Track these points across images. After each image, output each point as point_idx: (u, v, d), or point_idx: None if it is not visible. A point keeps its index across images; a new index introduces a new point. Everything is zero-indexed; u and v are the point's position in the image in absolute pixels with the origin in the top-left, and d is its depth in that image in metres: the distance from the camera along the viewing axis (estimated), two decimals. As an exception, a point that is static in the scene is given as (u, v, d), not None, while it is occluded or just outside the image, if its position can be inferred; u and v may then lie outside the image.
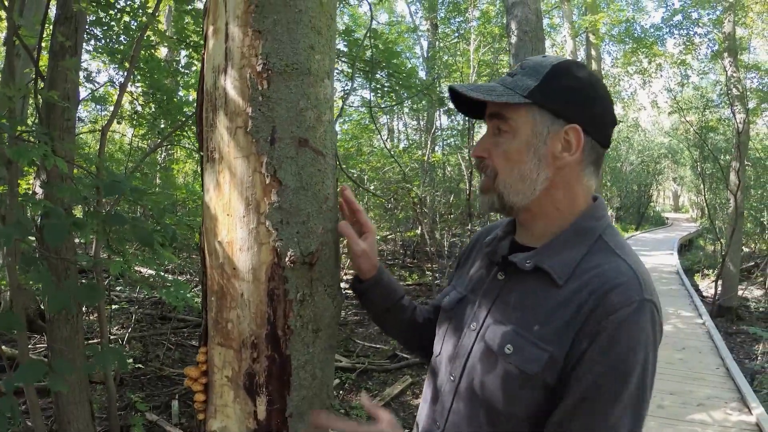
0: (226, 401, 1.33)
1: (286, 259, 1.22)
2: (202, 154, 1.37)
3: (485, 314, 1.18)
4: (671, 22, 15.60)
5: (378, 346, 7.61)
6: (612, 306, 1.00)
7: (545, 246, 1.15)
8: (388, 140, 16.31)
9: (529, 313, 1.10)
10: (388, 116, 17.70)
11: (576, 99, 1.13)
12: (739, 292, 12.43)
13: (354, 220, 1.42)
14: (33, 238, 2.95)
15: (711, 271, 16.97)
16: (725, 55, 12.28)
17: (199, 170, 11.30)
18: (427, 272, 12.09)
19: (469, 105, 1.24)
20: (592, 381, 1.00)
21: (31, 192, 3.86)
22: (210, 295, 1.33)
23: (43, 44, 3.82)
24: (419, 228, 13.14)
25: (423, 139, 15.09)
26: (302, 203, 1.24)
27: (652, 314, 1.01)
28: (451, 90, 1.20)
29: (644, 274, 1.06)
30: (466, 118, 11.43)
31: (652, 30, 16.62)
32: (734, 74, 12.10)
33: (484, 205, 1.21)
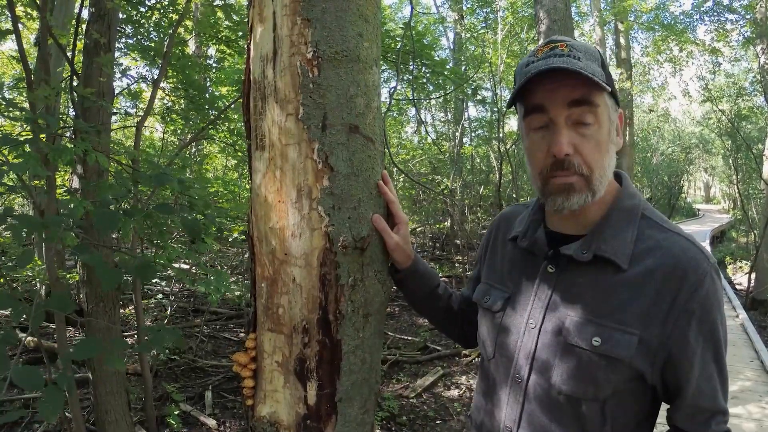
0: (275, 386, 1.34)
1: (338, 244, 1.24)
2: (249, 142, 1.38)
3: (543, 310, 1.16)
4: (702, 9, 15.33)
5: (409, 338, 7.60)
6: (694, 283, 1.05)
7: (594, 233, 1.13)
8: (416, 133, 16.27)
9: (598, 301, 1.10)
10: (415, 108, 17.63)
11: (614, 85, 1.15)
12: (774, 285, 12.15)
13: (387, 212, 1.41)
14: (75, 232, 3.02)
15: (744, 263, 16.64)
16: (758, 41, 12.01)
17: (230, 164, 11.44)
18: (456, 264, 12.06)
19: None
20: (702, 355, 1.08)
21: (71, 187, 3.94)
22: (260, 281, 1.35)
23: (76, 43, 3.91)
24: (448, 220, 13.11)
25: (450, 130, 15.01)
26: (353, 189, 1.26)
27: (719, 275, 1.11)
28: (544, 71, 1.05)
29: (699, 242, 1.12)
30: (495, 109, 11.34)
31: (682, 17, 16.35)
32: (767, 61, 11.82)
33: (573, 205, 1.11)
